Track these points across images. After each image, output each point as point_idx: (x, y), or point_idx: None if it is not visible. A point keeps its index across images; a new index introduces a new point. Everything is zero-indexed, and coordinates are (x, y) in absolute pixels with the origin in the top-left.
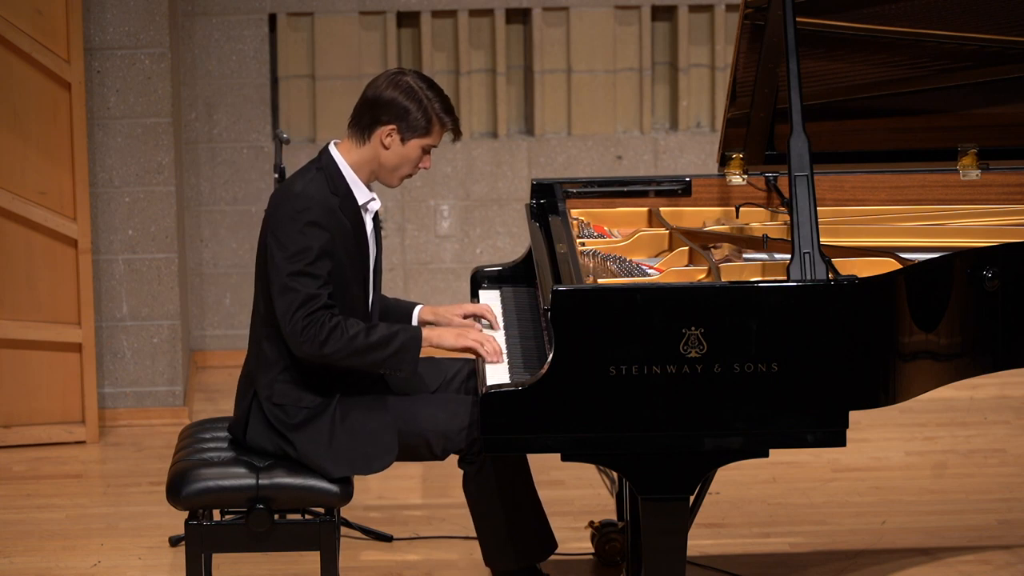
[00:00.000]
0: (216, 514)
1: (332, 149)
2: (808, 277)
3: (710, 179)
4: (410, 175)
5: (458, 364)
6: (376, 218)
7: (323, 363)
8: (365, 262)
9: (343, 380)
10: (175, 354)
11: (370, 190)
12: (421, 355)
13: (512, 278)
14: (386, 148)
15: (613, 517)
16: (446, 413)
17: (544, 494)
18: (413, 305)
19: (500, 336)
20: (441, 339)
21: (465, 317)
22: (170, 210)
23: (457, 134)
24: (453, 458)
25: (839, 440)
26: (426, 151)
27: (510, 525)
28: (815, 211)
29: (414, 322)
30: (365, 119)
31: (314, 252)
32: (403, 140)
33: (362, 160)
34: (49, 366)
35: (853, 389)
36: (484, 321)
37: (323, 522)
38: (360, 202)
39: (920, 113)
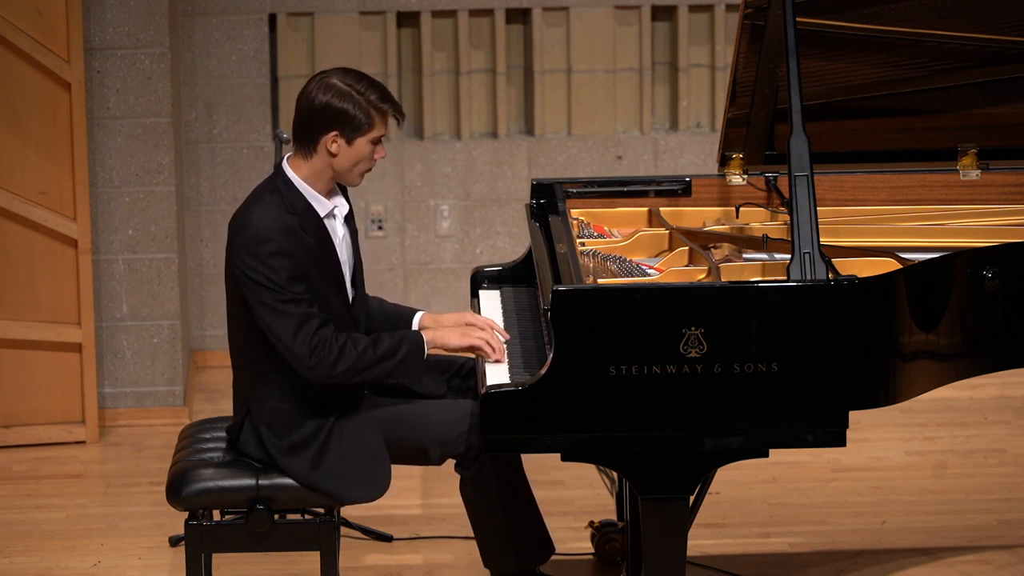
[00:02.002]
0: (216, 514)
1: (285, 166)
2: (808, 277)
3: (710, 179)
4: (368, 169)
5: (458, 363)
6: (350, 220)
7: (335, 384)
8: (337, 271)
9: (335, 400)
10: (175, 354)
11: (332, 195)
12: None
13: (512, 278)
14: (334, 155)
15: (613, 517)
16: (442, 419)
17: (544, 494)
18: (413, 312)
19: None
20: (445, 340)
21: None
22: (170, 210)
23: (400, 117)
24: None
25: (839, 440)
26: (376, 143)
27: (508, 528)
28: (815, 211)
29: (415, 327)
30: (306, 132)
31: (285, 278)
32: (349, 142)
33: (315, 172)
34: (49, 366)
35: (853, 389)
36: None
37: (323, 522)
38: (322, 214)
39: (920, 113)
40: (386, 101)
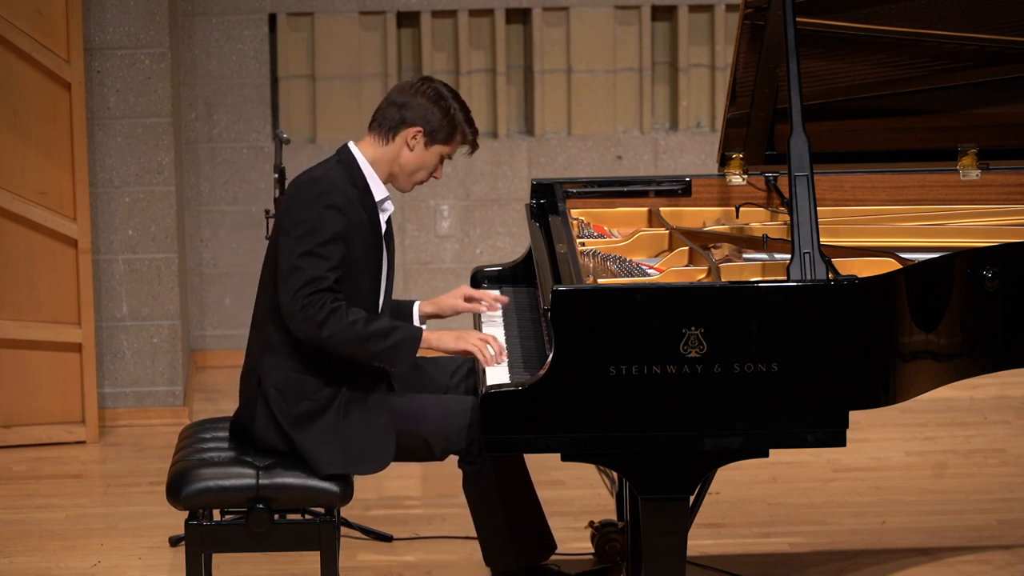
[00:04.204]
0: (216, 514)
1: (352, 145)
2: (808, 277)
3: (710, 179)
4: (422, 182)
5: (458, 362)
6: (390, 224)
7: (320, 346)
8: (379, 257)
9: (347, 375)
10: (175, 354)
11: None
12: (421, 355)
13: (512, 278)
14: (410, 150)
15: (613, 517)
16: (445, 414)
17: (544, 494)
18: (412, 303)
19: (500, 330)
20: (441, 342)
21: (467, 300)
22: (170, 210)
23: (475, 146)
24: (453, 458)
25: (839, 440)
26: (442, 160)
27: (510, 525)
28: (815, 211)
29: (415, 318)
30: (391, 119)
31: (328, 234)
32: (427, 144)
33: (382, 158)
34: (49, 366)
35: (853, 389)
36: (484, 304)
37: (323, 522)
38: (377, 198)
39: (920, 113)
40: (471, 126)
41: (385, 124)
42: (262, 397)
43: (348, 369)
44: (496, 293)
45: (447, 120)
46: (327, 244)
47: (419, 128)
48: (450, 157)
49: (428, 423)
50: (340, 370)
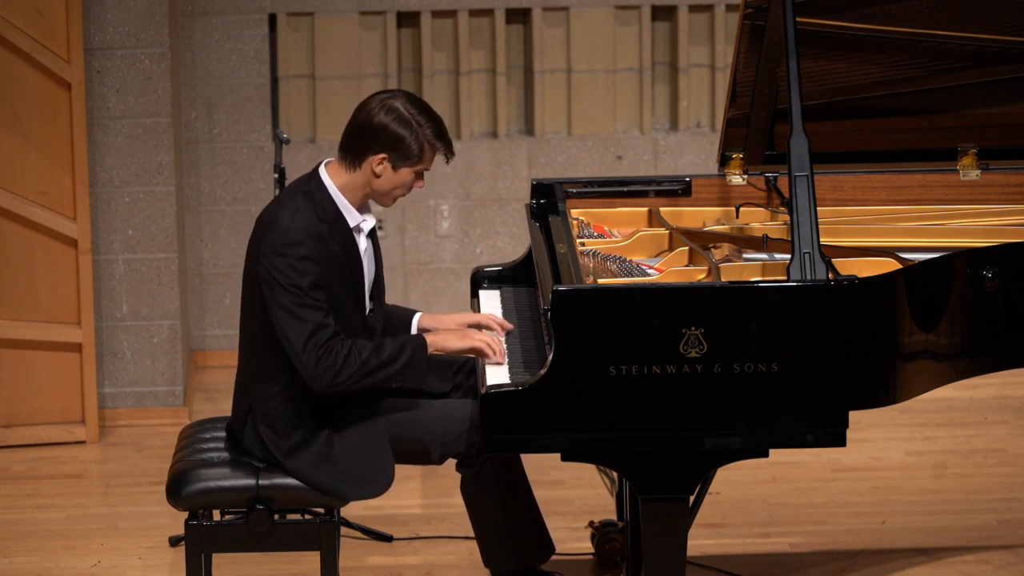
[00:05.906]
0: (216, 514)
1: (322, 171)
2: (808, 277)
3: (710, 179)
4: (404, 195)
5: (457, 365)
6: (374, 234)
7: (336, 392)
8: (359, 283)
9: (338, 400)
10: (175, 354)
11: (363, 211)
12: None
13: (512, 278)
14: (377, 176)
15: (613, 517)
16: (443, 418)
17: (544, 494)
18: (412, 313)
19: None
20: (445, 343)
21: (470, 327)
22: (170, 210)
23: (450, 157)
24: (452, 459)
25: (839, 440)
26: (419, 175)
27: (508, 528)
28: (815, 211)
29: (413, 328)
30: (356, 146)
31: (309, 284)
32: (395, 168)
33: (352, 185)
34: (49, 366)
35: (853, 389)
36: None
37: (323, 522)
38: (351, 225)
39: (920, 113)
40: (441, 139)
41: (350, 151)
42: (252, 425)
43: (336, 395)
44: (501, 318)
45: (413, 140)
46: (313, 293)
47: (383, 154)
48: (427, 169)
49: (426, 428)
50: (328, 398)
